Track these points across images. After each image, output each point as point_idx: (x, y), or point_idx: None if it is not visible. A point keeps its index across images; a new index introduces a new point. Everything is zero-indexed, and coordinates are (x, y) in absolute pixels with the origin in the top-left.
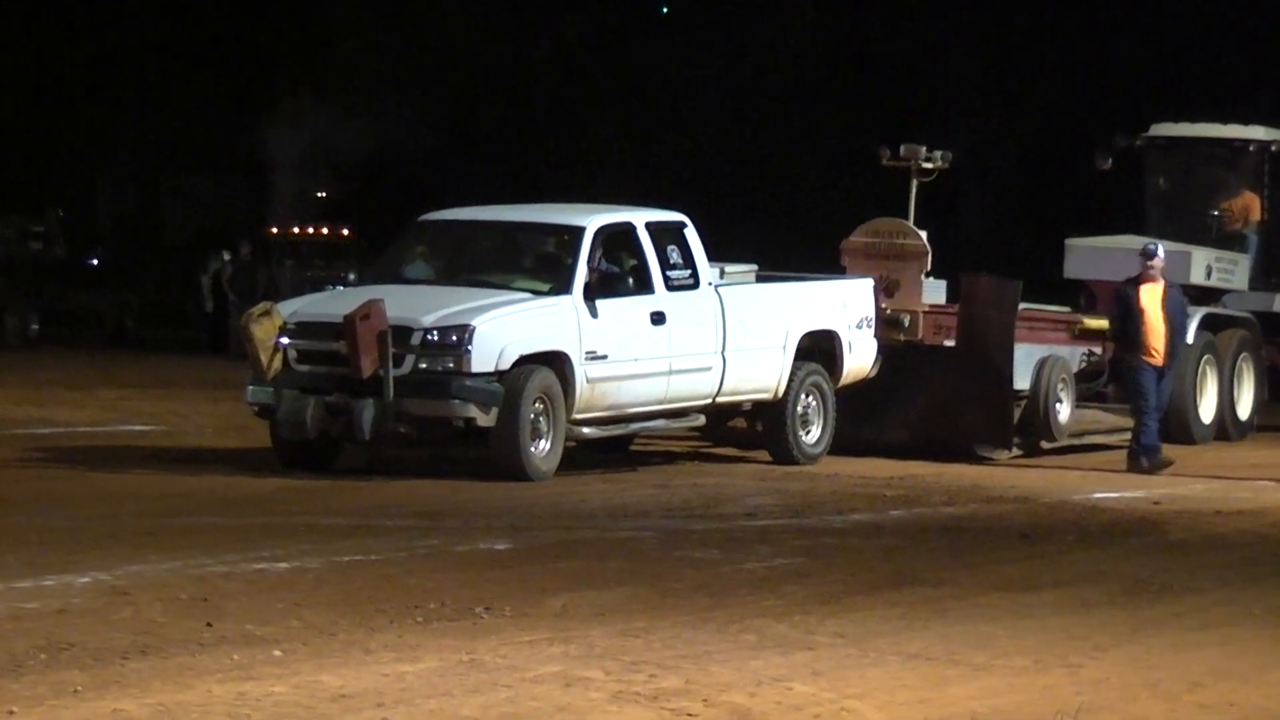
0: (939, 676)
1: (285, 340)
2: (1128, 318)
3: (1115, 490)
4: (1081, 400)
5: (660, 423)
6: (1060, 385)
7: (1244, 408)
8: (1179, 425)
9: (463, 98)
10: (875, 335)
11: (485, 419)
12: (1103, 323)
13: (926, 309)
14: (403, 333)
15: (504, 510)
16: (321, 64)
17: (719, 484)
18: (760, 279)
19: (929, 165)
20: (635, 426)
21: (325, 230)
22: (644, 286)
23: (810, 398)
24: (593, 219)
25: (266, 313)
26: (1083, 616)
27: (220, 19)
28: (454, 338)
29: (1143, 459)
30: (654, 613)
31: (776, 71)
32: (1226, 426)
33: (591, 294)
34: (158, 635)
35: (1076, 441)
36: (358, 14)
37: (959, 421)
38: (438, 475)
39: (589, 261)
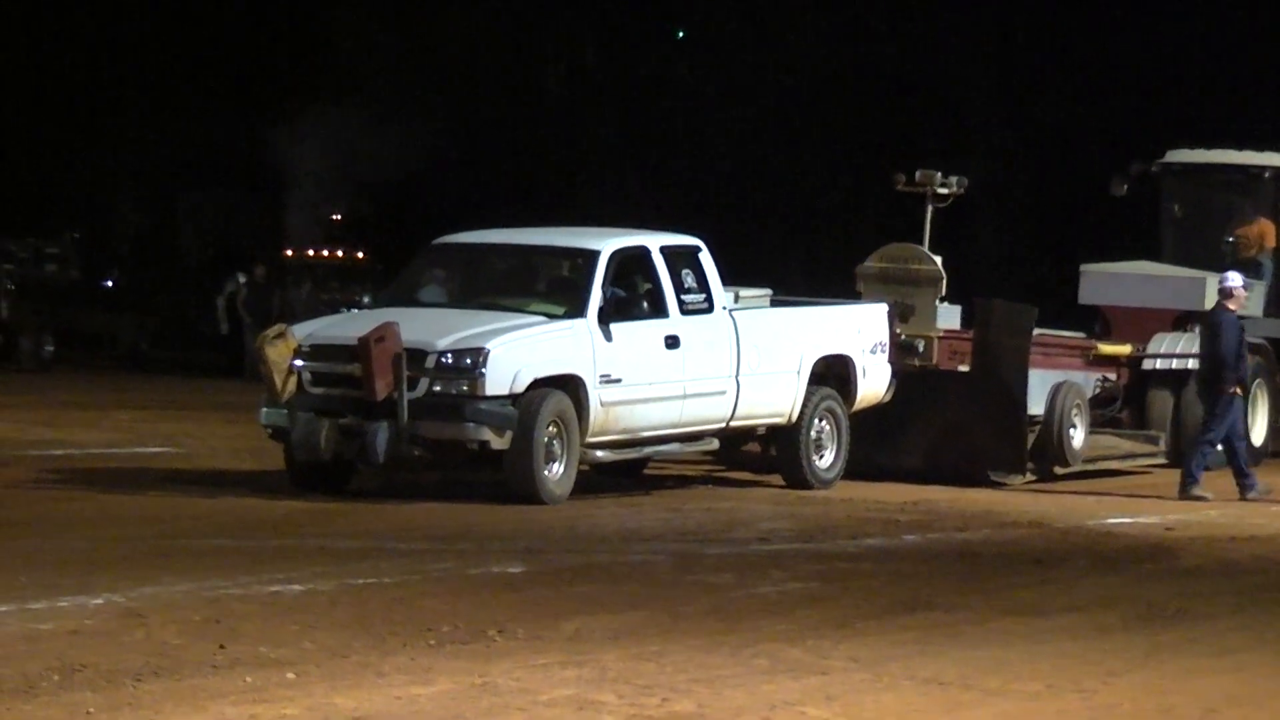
0: (952, 701)
1: (300, 363)
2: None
3: (1129, 516)
4: (1096, 426)
5: (674, 446)
6: (1075, 410)
7: (1258, 434)
8: None
9: (478, 120)
10: (890, 360)
11: (499, 442)
12: (1119, 349)
13: (941, 334)
14: (417, 355)
15: (517, 533)
16: (337, 86)
17: (733, 508)
18: (775, 303)
19: (944, 190)
20: (649, 450)
21: (340, 253)
22: (658, 310)
23: (824, 422)
24: (607, 243)
25: (281, 335)
26: (1096, 642)
27: (235, 41)
28: (468, 361)
29: (1196, 486)
30: (667, 636)
31: (791, 96)
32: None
33: (606, 317)
34: (171, 657)
35: (1091, 467)
36: (374, 36)
37: (973, 447)
38: (451, 498)
39: (603, 286)
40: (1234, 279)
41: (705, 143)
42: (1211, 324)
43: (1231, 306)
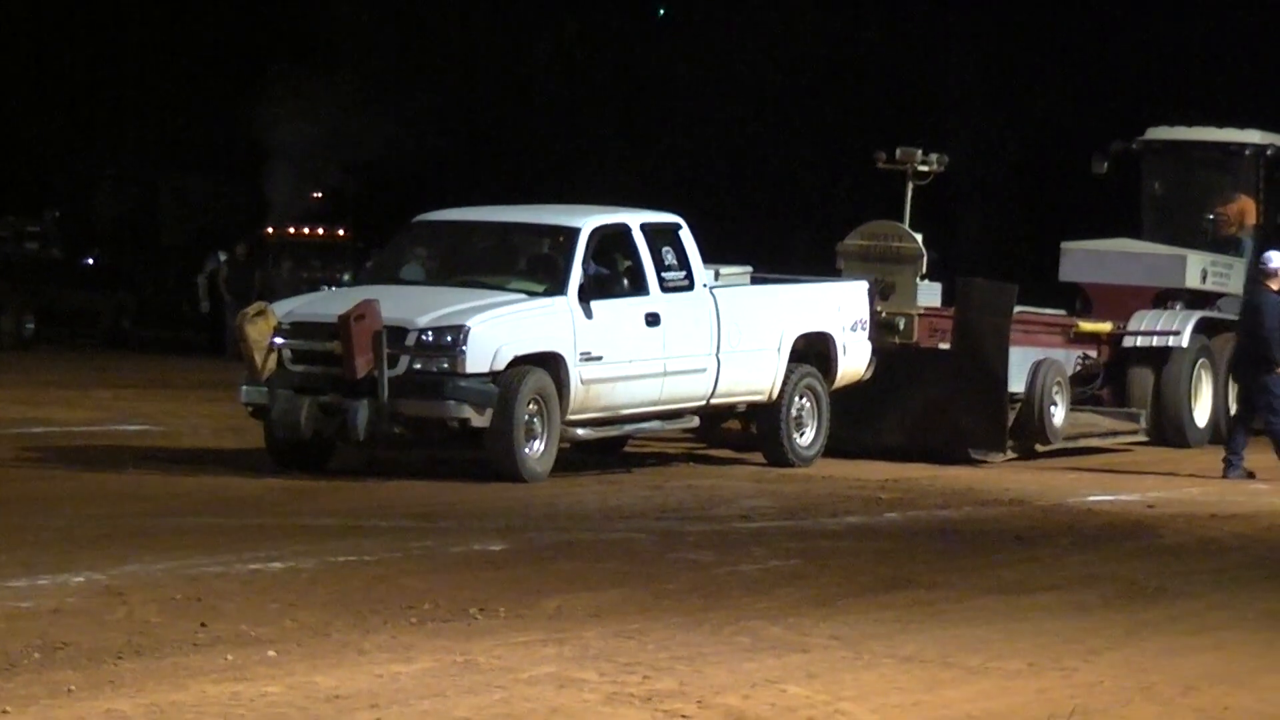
0: (933, 679)
1: (280, 340)
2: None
3: (1110, 494)
4: (1076, 403)
5: (655, 424)
6: (1055, 388)
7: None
8: (1174, 429)
9: (460, 98)
10: (870, 338)
11: (480, 420)
12: (1099, 326)
13: (922, 312)
14: (397, 333)
15: (498, 511)
16: (319, 64)
17: (713, 486)
18: (755, 281)
19: (925, 168)
20: (630, 428)
21: (321, 231)
22: (639, 288)
23: (805, 400)
24: (588, 220)
25: (261, 313)
26: (1077, 620)
27: (218, 18)
28: (449, 338)
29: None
30: (648, 614)
31: (773, 73)
32: (1221, 430)
33: (586, 295)
34: (152, 635)
35: (1071, 445)
36: (357, 14)
37: (954, 424)
38: (432, 476)
39: (584, 263)
40: (1275, 258)
41: (686, 120)
42: (1253, 305)
43: (1274, 286)
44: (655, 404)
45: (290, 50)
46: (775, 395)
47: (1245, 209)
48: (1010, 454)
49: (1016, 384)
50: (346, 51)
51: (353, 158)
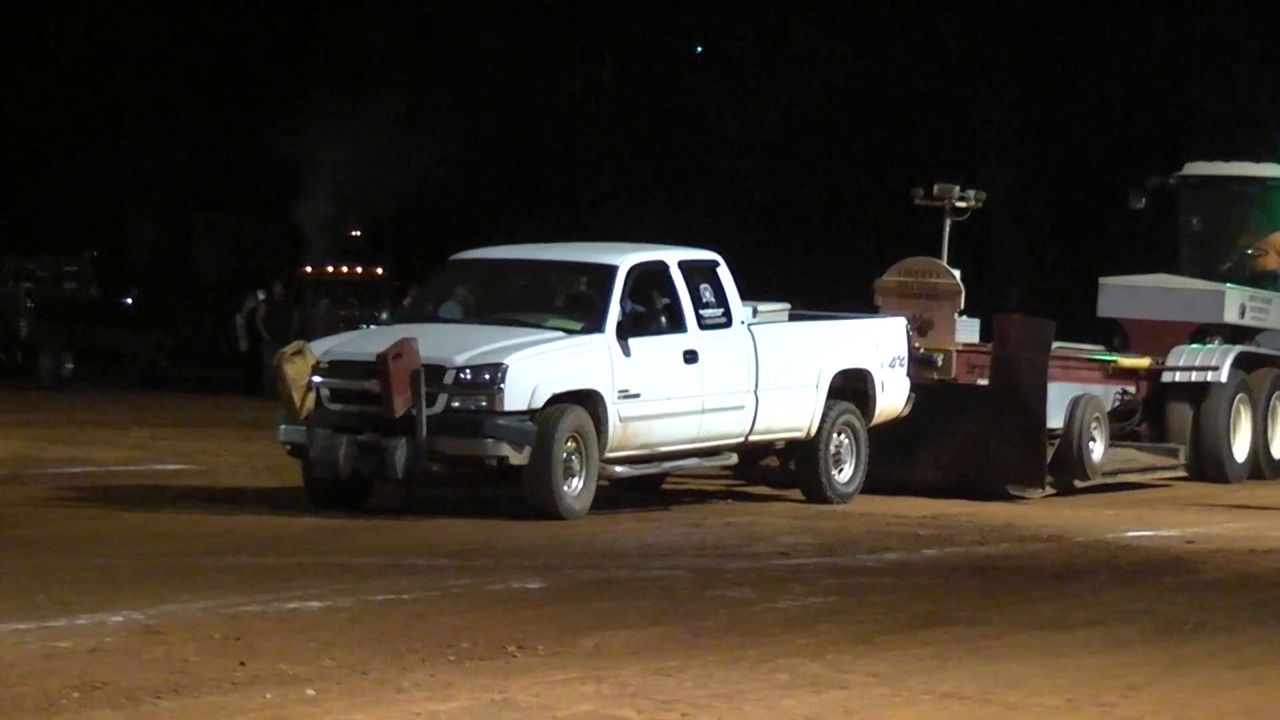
0: (972, 716)
1: (318, 379)
2: None
3: (1149, 529)
4: (1115, 439)
5: (693, 461)
6: (1094, 424)
7: (1278, 446)
8: (1213, 464)
9: (496, 138)
10: (908, 374)
11: (518, 458)
12: (1137, 362)
13: (960, 348)
14: (435, 371)
15: (536, 549)
16: (357, 101)
17: (752, 523)
18: (793, 318)
19: (962, 204)
20: (668, 465)
21: (359, 270)
22: (677, 325)
23: (843, 436)
24: (625, 258)
25: (299, 352)
26: (1116, 655)
27: (258, 58)
28: (487, 376)
29: None
30: (687, 651)
31: (810, 109)
32: (1260, 465)
33: (624, 332)
34: (191, 674)
35: (1110, 480)
36: (394, 54)
37: (992, 460)
38: (470, 514)
39: (621, 301)
40: None
41: (723, 157)
42: None
43: None
44: (693, 441)
45: (328, 88)
46: (813, 432)
47: None
48: (1049, 490)
49: (1055, 420)
50: (384, 89)
51: (390, 196)
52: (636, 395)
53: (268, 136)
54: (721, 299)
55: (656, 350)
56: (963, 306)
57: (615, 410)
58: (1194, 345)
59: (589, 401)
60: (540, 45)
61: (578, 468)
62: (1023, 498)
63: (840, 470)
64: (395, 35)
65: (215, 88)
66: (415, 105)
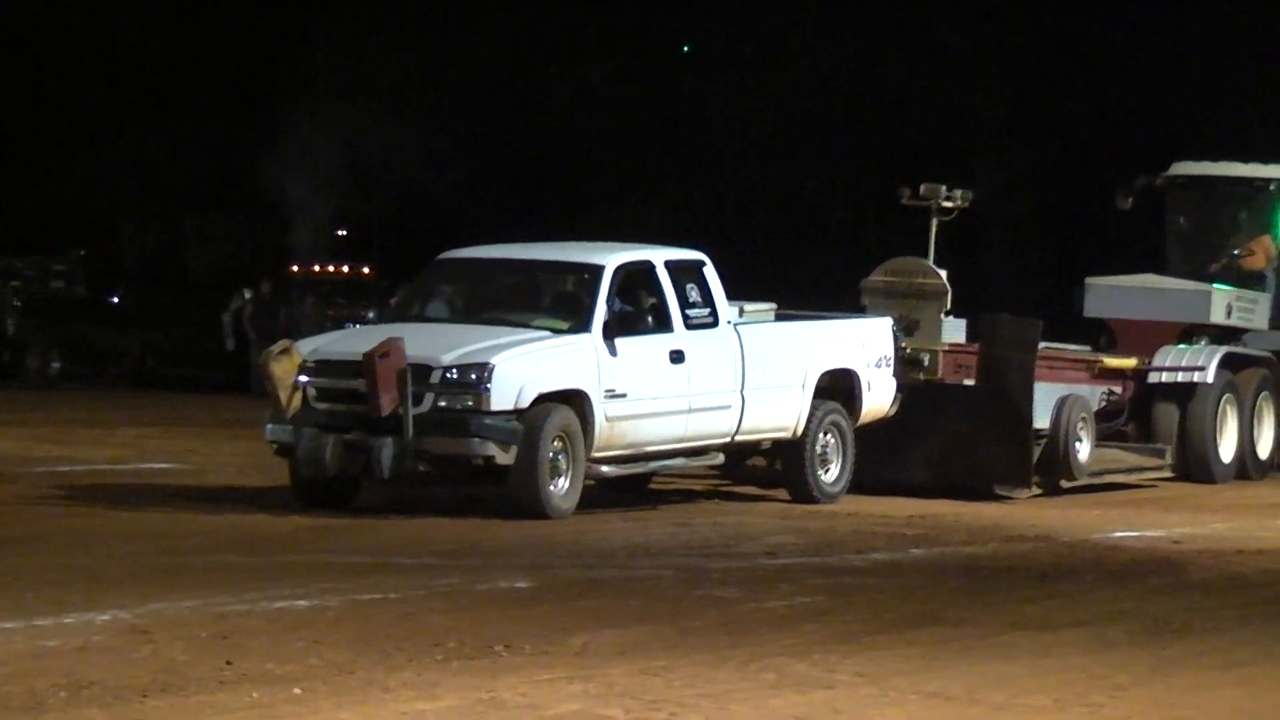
0: (959, 716)
1: (305, 378)
2: None
3: (1135, 529)
4: (1101, 439)
5: (679, 461)
6: (1080, 424)
7: (1264, 447)
8: (1199, 464)
9: (484, 136)
10: (895, 374)
11: (504, 457)
12: (1124, 362)
13: (946, 348)
14: (422, 371)
15: (523, 548)
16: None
17: (738, 522)
18: (779, 317)
19: (949, 204)
20: (654, 465)
21: (346, 268)
22: (663, 325)
23: (829, 436)
24: (612, 257)
25: (286, 351)
26: (1103, 656)
27: (244, 59)
28: (473, 376)
29: None
30: (674, 651)
31: (796, 110)
32: (1247, 466)
33: (610, 332)
34: (178, 673)
35: (1096, 481)
36: (381, 53)
37: (979, 460)
38: (457, 513)
39: (608, 300)
40: None
41: (710, 157)
42: None
43: None
44: (680, 441)
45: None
46: (800, 432)
47: (1270, 244)
48: (1035, 490)
49: (1041, 420)
50: (371, 87)
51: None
52: (623, 395)
53: (259, 136)
54: (708, 299)
55: (643, 350)
56: (949, 306)
57: (602, 410)
58: (1180, 346)
59: (575, 401)
60: (529, 45)
61: (564, 467)
62: (1009, 498)
63: (827, 470)
64: (386, 38)
65: (211, 88)
66: (405, 106)
